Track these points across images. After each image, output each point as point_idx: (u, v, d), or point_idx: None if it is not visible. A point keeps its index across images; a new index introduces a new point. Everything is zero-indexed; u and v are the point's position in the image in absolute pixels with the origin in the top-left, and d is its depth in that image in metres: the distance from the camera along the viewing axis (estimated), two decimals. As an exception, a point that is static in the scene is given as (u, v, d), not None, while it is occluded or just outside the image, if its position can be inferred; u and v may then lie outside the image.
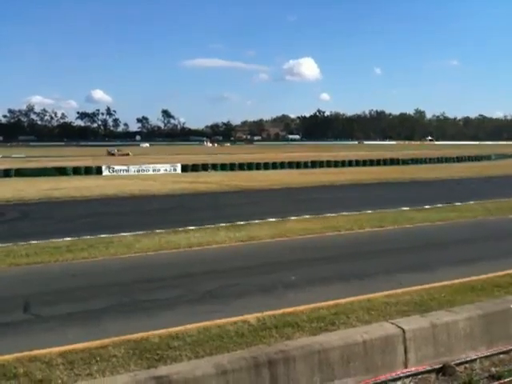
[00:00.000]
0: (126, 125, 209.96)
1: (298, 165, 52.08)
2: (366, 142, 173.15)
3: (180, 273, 11.48)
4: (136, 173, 44.69)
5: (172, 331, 7.67)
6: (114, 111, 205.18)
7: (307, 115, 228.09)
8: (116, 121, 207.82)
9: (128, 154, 79.14)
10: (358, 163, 55.25)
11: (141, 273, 11.51)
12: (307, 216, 19.37)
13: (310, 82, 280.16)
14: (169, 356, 6.83)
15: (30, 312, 8.94)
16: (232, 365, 6.01)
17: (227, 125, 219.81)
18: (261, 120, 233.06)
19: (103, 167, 44.21)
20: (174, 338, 7.41)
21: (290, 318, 8.22)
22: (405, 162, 59.17)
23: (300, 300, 9.24)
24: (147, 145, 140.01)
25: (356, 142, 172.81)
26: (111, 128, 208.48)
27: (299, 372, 6.24)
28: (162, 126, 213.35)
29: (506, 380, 6.66)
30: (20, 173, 41.06)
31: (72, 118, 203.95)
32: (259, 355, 6.14)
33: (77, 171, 42.83)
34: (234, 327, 7.84)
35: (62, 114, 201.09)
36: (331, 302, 9.04)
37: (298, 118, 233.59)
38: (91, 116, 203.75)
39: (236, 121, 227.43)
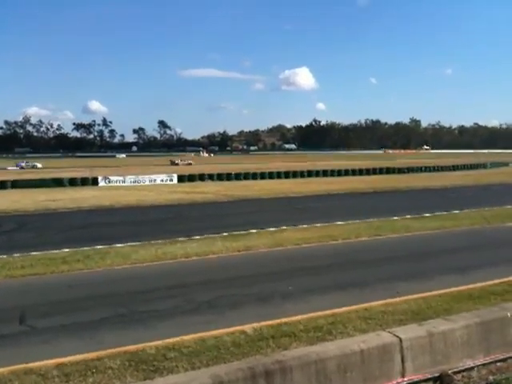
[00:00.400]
0: (122, 136, 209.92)
1: (294, 174, 52.19)
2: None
3: (177, 283, 11.45)
4: (132, 183, 44.66)
5: (168, 342, 7.65)
6: (110, 122, 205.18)
7: (303, 125, 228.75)
8: (112, 132, 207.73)
9: (190, 164, 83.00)
10: (353, 172, 55.35)
11: (137, 283, 11.48)
12: (304, 225, 19.37)
13: (305, 92, 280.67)
14: (165, 367, 6.80)
15: (25, 324, 8.90)
16: (229, 376, 5.98)
17: (223, 135, 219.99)
18: (257, 130, 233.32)
19: (99, 178, 44.17)
20: (170, 349, 7.39)
21: (286, 328, 8.20)
22: (401, 170, 59.30)
23: (297, 310, 9.23)
24: (124, 156, 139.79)
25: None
26: (107, 139, 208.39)
27: (296, 382, 6.21)
28: (158, 136, 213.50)
29: (503, 388, 6.65)
30: (16, 184, 40.97)
31: (68, 129, 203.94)
32: (256, 366, 6.12)
33: (73, 182, 42.79)
34: (231, 338, 7.81)
35: (58, 126, 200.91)
36: (328, 312, 9.03)
37: (294, 127, 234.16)
38: (87, 127, 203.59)
39: (232, 131, 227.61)
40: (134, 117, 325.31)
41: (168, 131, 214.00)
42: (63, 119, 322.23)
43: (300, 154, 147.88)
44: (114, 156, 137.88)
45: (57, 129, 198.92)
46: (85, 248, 15.27)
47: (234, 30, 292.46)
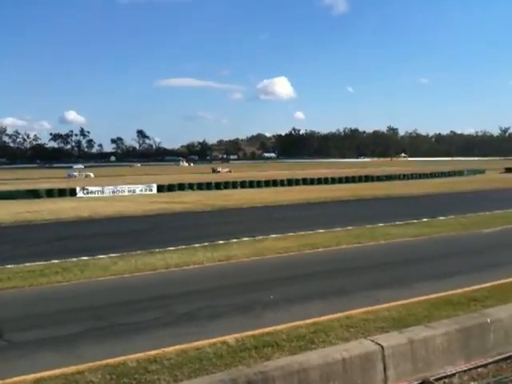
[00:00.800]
0: (100, 145, 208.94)
1: (274, 183, 52.25)
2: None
3: (157, 295, 11.33)
4: (111, 194, 44.21)
5: (150, 355, 7.57)
6: (88, 132, 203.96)
7: (282, 134, 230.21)
8: (90, 142, 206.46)
9: (230, 171, 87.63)
10: (333, 180, 55.70)
11: (117, 296, 11.35)
12: (285, 234, 19.38)
13: (284, 101, 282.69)
14: (147, 380, 6.73)
15: (3, 338, 8.72)
16: (211, 388, 5.92)
17: (203, 144, 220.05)
18: (236, 139, 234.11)
19: (77, 189, 43.65)
20: (151, 362, 7.31)
21: (269, 338, 8.18)
22: (379, 178, 59.86)
23: (279, 319, 9.22)
24: (81, 166, 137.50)
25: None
26: (85, 149, 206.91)
27: (279, 393, 6.17)
28: (136, 146, 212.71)
29: (484, 394, 6.70)
30: (-9, 196, 40.20)
31: (45, 140, 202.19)
32: (238, 377, 6.06)
33: (50, 193, 42.15)
34: (213, 349, 7.76)
35: (35, 136, 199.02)
36: (310, 321, 9.04)
37: (274, 136, 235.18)
38: (64, 137, 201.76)
39: (212, 140, 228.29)
40: (112, 126, 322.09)
41: (147, 141, 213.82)
42: (40, 130, 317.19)
43: (282, 163, 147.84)
44: (71, 167, 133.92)
45: (33, 139, 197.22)
46: (63, 260, 15.08)
47: (212, 40, 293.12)
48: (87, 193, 43.49)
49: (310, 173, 69.47)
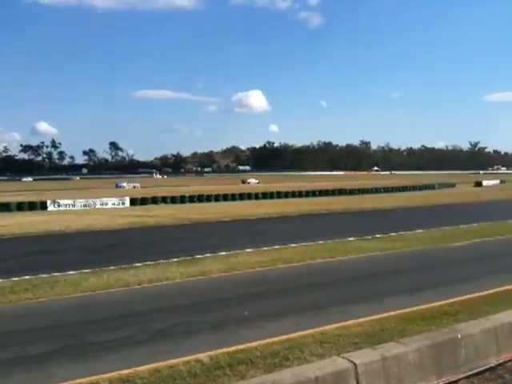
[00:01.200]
0: (71, 157, 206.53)
1: (249, 196, 52.25)
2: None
3: (130, 312, 11.19)
4: (82, 207, 43.58)
5: (122, 374, 7.47)
6: (60, 144, 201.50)
7: (257, 146, 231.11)
8: (61, 153, 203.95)
9: (259, 183, 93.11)
10: (307, 194, 55.99)
11: (88, 313, 11.17)
12: (259, 248, 19.38)
13: (258, 114, 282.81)
14: (119, 401, 6.63)
15: (-30, 359, 8.49)
16: (185, 408, 5.85)
17: (177, 156, 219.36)
18: (211, 151, 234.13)
19: (48, 202, 42.89)
20: (124, 381, 7.22)
21: (243, 355, 8.15)
22: (352, 191, 60.48)
23: (253, 336, 9.20)
24: (30, 179, 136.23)
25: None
26: (56, 161, 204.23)
27: (252, 412, 6.14)
28: (109, 158, 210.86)
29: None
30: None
31: (15, 151, 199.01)
32: (212, 396, 6.03)
33: (20, 207, 41.32)
34: (187, 367, 7.70)
35: (5, 147, 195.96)
36: (284, 337, 9.05)
37: (248, 149, 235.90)
38: (35, 149, 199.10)
39: (186, 152, 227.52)
40: (84, 138, 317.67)
41: (120, 153, 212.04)
42: (10, 141, 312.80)
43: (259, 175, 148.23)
44: (20, 180, 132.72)
45: (3, 151, 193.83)
46: (33, 276, 14.78)
47: (187, 52, 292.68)
48: (58, 206, 42.76)
49: (302, 185, 70.04)
